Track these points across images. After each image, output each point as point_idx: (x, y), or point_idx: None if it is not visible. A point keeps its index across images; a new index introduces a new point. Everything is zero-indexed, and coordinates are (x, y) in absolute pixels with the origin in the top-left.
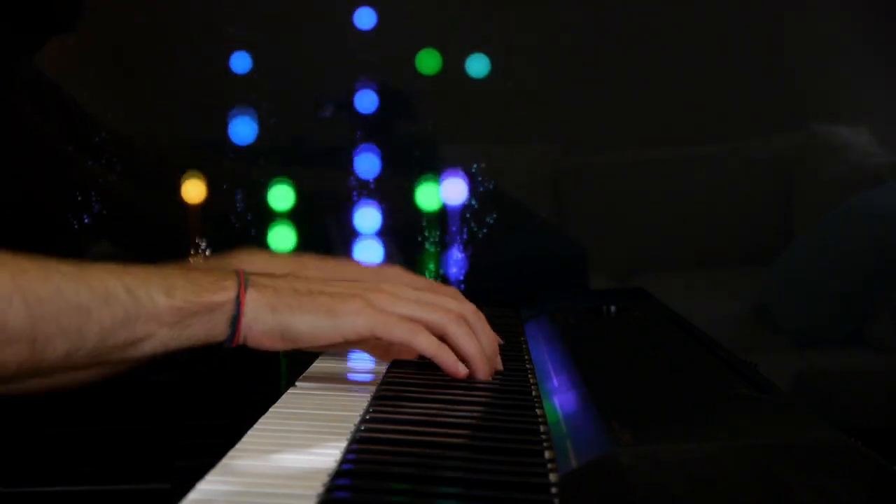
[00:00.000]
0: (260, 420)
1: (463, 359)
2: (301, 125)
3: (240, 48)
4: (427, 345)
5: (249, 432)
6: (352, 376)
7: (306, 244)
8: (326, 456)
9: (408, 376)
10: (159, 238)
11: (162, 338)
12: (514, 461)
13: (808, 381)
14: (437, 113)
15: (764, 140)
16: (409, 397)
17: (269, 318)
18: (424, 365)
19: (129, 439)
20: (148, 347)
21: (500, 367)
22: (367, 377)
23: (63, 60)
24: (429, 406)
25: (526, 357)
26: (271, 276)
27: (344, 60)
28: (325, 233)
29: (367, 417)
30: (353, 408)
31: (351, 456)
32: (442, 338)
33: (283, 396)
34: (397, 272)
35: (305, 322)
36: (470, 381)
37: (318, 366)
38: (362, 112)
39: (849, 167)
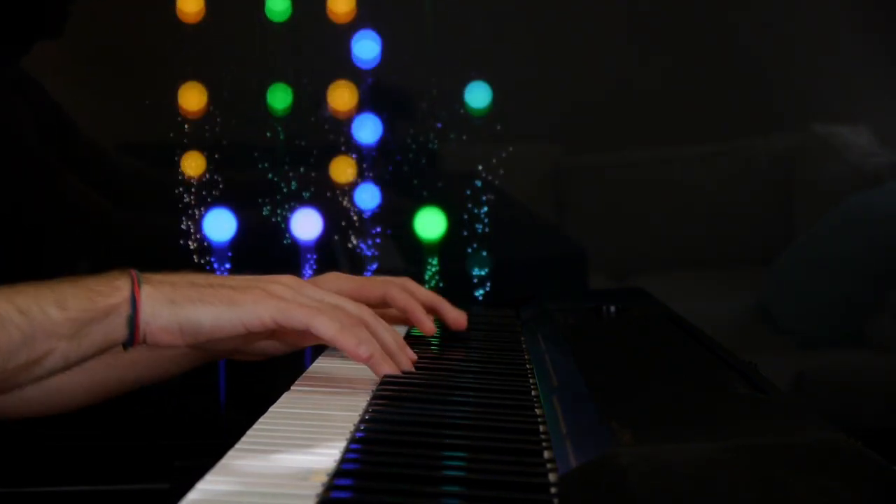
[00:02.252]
0: (260, 420)
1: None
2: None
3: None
4: (327, 327)
5: (249, 432)
6: (351, 376)
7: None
8: (326, 456)
9: (407, 376)
10: (137, 251)
11: (63, 351)
12: (514, 461)
13: (808, 381)
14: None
15: (764, 140)
16: (409, 397)
17: (166, 312)
18: (423, 366)
19: (129, 440)
20: (50, 363)
21: (413, 356)
22: (367, 377)
23: (48, 65)
24: (428, 406)
25: (526, 357)
26: (167, 273)
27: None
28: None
29: (367, 417)
30: (353, 408)
31: (350, 456)
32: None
33: (283, 396)
34: (332, 277)
35: (206, 313)
36: (470, 382)
37: (318, 366)
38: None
39: (849, 167)
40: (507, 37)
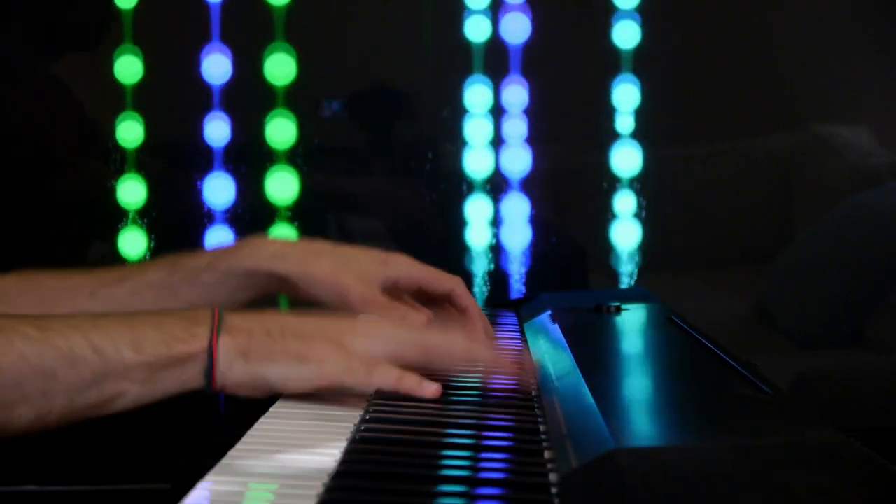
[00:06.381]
0: (260, 420)
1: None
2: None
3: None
4: (384, 380)
5: (249, 432)
6: None
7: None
8: (326, 456)
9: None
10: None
11: (134, 395)
12: (514, 461)
13: (808, 381)
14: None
15: (764, 140)
16: (409, 397)
17: (240, 367)
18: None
19: (129, 440)
20: (120, 405)
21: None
22: None
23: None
24: (428, 406)
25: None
26: (246, 316)
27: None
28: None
29: (367, 417)
30: (353, 407)
31: (351, 456)
32: (430, 363)
33: (284, 396)
34: (404, 260)
35: (274, 373)
36: (470, 381)
37: None
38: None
39: (849, 167)
40: (507, 36)
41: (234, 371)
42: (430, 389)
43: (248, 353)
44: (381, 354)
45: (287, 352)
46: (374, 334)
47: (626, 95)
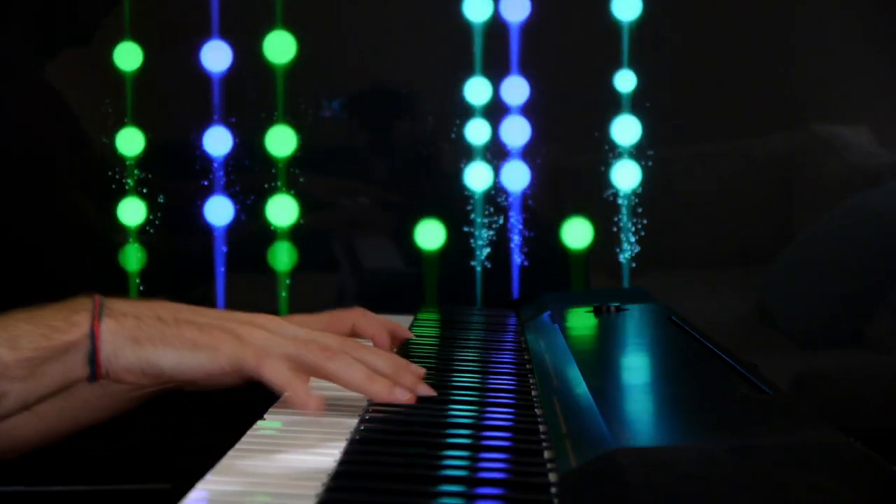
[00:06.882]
0: (260, 420)
1: (353, 389)
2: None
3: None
4: (272, 378)
5: (249, 432)
6: None
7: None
8: (326, 456)
9: None
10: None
11: (17, 394)
12: (514, 461)
13: (808, 381)
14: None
15: (764, 140)
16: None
17: (128, 352)
18: (424, 366)
19: (129, 440)
20: (5, 406)
21: (420, 372)
22: None
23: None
24: (428, 406)
25: (526, 357)
26: (133, 302)
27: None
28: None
29: (367, 417)
30: (353, 408)
31: (350, 456)
32: (324, 376)
33: (284, 396)
34: (299, 318)
35: (168, 357)
36: (470, 382)
37: None
38: None
39: (849, 167)
40: (505, 35)
41: (122, 356)
42: (314, 404)
43: (138, 338)
44: (278, 351)
45: (181, 338)
46: (275, 329)
47: (626, 93)
